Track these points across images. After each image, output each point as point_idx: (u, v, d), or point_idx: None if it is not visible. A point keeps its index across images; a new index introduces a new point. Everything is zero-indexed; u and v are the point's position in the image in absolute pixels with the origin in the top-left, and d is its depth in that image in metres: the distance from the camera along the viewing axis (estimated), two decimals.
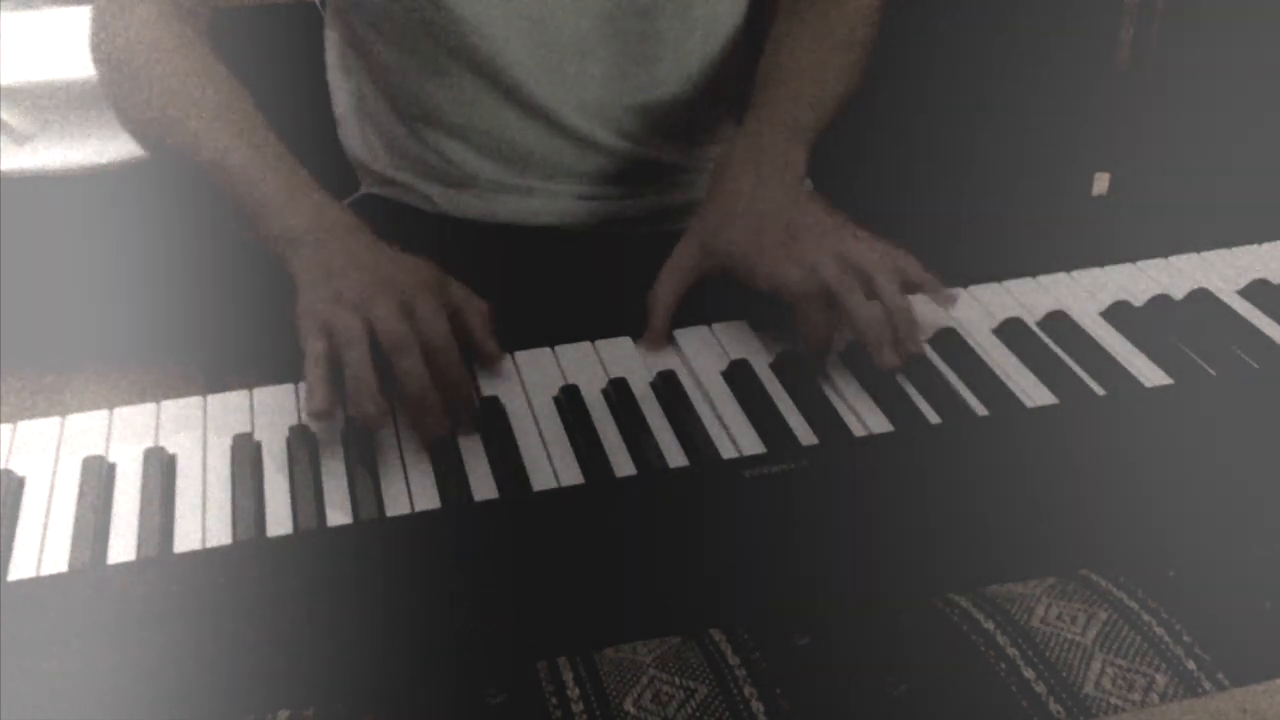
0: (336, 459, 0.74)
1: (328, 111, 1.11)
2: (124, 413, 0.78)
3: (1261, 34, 1.56)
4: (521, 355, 0.83)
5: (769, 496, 0.66)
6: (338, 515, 0.70)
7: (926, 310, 0.83)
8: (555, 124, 1.02)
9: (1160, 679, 0.50)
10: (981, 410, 0.76)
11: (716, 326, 0.85)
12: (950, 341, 0.82)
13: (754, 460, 0.72)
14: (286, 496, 0.71)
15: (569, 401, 0.77)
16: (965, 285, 0.88)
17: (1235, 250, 0.93)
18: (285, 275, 0.81)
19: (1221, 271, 0.90)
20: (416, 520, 0.69)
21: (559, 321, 0.87)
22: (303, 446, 0.74)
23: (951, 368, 0.80)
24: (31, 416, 0.78)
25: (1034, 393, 0.77)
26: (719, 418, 0.76)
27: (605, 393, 0.79)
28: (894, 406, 0.76)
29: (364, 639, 0.57)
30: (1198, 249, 0.93)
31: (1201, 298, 0.86)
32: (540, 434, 0.75)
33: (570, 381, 0.80)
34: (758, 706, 0.49)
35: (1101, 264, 0.91)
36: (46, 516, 0.70)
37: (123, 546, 0.68)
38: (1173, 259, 0.92)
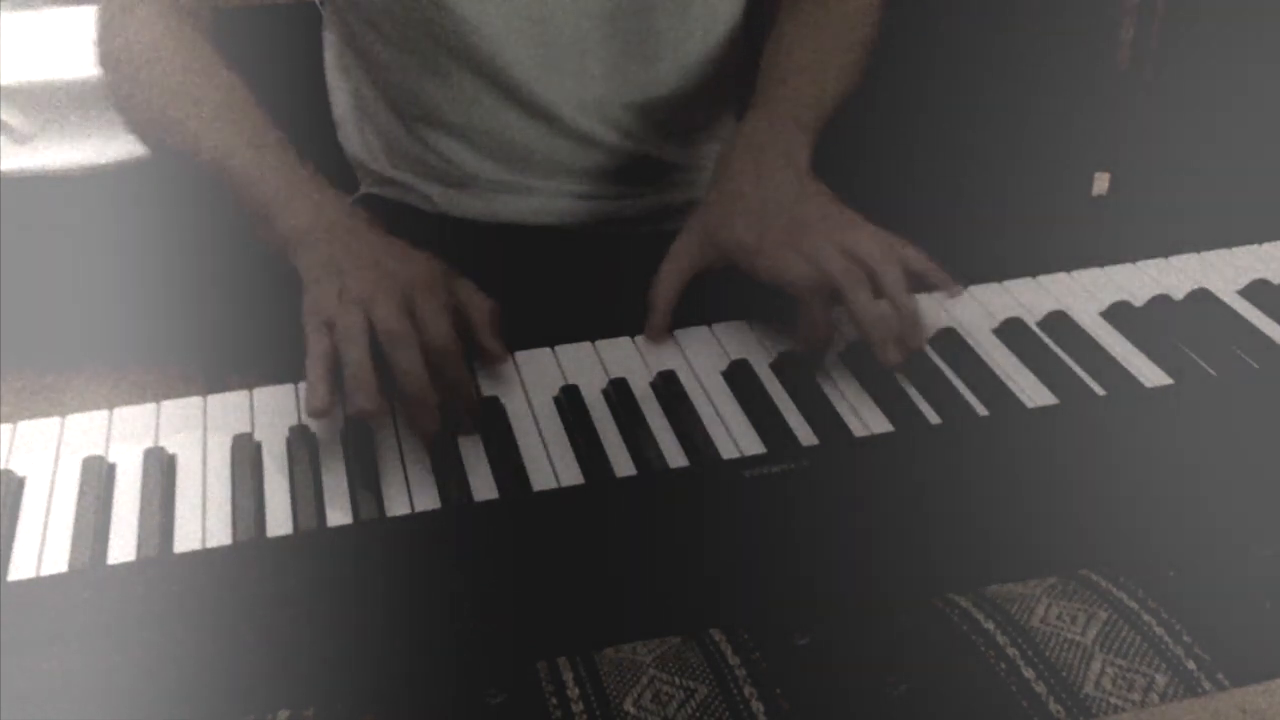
0: (336, 459, 0.73)
1: (327, 111, 1.11)
2: (124, 413, 0.78)
3: (1261, 34, 1.56)
4: (521, 355, 0.83)
5: (769, 496, 0.66)
6: (338, 515, 0.70)
7: (927, 310, 0.83)
8: (555, 123, 1.02)
9: (1160, 679, 0.50)
10: (982, 410, 0.76)
11: (716, 326, 0.85)
12: (950, 341, 0.82)
13: (754, 460, 0.72)
14: (286, 496, 0.71)
15: (569, 401, 0.77)
16: (965, 285, 0.88)
17: (1235, 250, 0.93)
18: (285, 275, 0.81)
19: (1221, 271, 0.90)
20: (416, 520, 0.68)
21: (559, 321, 0.87)
22: (303, 446, 0.74)
23: (951, 368, 0.80)
24: (31, 416, 0.78)
25: (1034, 393, 0.77)
26: (719, 418, 0.76)
27: (605, 393, 0.79)
28: (894, 406, 0.76)
29: (364, 639, 0.57)
30: (1198, 249, 0.93)
31: (1201, 298, 0.86)
32: (540, 434, 0.75)
33: (570, 381, 0.80)
34: (758, 706, 0.49)
35: (1101, 264, 0.91)
36: (46, 516, 0.70)
37: (123, 547, 0.68)
38: (1173, 259, 0.92)
